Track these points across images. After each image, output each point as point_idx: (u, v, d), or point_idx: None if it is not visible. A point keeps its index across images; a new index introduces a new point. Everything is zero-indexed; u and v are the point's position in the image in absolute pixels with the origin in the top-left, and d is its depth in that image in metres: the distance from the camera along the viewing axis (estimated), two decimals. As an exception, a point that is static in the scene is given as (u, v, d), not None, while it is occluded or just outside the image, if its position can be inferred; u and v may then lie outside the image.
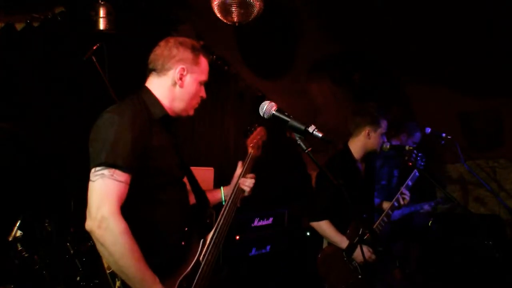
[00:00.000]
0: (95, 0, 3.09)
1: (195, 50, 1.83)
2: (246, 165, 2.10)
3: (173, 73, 1.79)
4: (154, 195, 1.69)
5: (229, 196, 2.00)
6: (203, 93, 1.89)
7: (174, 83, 1.80)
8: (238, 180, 2.04)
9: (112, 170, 1.51)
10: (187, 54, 1.81)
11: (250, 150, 2.16)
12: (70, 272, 2.65)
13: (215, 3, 3.12)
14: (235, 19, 3.17)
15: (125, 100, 1.73)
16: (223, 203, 2.10)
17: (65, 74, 3.20)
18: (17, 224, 2.54)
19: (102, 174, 1.50)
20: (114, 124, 1.57)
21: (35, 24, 3.05)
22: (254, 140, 2.19)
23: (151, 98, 1.78)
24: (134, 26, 3.46)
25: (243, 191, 2.04)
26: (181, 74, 1.80)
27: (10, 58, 3.04)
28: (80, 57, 2.77)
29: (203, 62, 1.86)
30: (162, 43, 1.83)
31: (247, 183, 2.04)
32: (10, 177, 2.86)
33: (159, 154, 1.68)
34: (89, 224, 1.49)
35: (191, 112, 1.90)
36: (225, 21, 3.22)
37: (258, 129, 2.25)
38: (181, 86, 1.80)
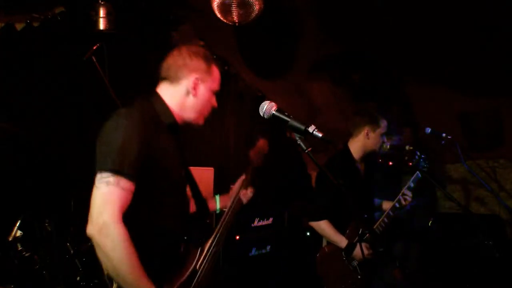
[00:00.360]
0: (95, 0, 3.09)
1: (207, 60, 1.85)
2: (248, 178, 2.15)
3: (187, 83, 1.80)
4: (153, 203, 1.69)
5: (229, 207, 2.03)
6: (214, 102, 1.91)
7: (187, 92, 1.81)
8: (238, 192, 2.08)
9: (118, 178, 1.50)
10: (201, 64, 1.82)
11: (251, 162, 2.21)
12: (70, 272, 2.66)
13: (215, 3, 3.12)
14: (235, 19, 3.17)
15: (135, 104, 1.73)
16: (217, 211, 2.15)
17: (65, 74, 3.20)
18: (17, 224, 2.54)
19: (108, 181, 1.50)
20: (122, 128, 1.57)
21: (35, 24, 3.05)
22: (256, 152, 2.24)
23: (162, 105, 1.79)
24: (134, 26, 3.46)
25: (242, 202, 2.10)
26: (195, 84, 1.81)
27: (10, 58, 3.04)
28: (80, 57, 2.78)
29: (215, 71, 1.88)
30: (175, 52, 1.84)
31: (248, 195, 2.12)
32: (10, 177, 2.87)
33: (161, 163, 1.68)
34: (90, 229, 1.49)
35: (201, 122, 1.90)
36: (225, 21, 3.22)
37: (261, 141, 2.28)
38: (195, 95, 1.81)
